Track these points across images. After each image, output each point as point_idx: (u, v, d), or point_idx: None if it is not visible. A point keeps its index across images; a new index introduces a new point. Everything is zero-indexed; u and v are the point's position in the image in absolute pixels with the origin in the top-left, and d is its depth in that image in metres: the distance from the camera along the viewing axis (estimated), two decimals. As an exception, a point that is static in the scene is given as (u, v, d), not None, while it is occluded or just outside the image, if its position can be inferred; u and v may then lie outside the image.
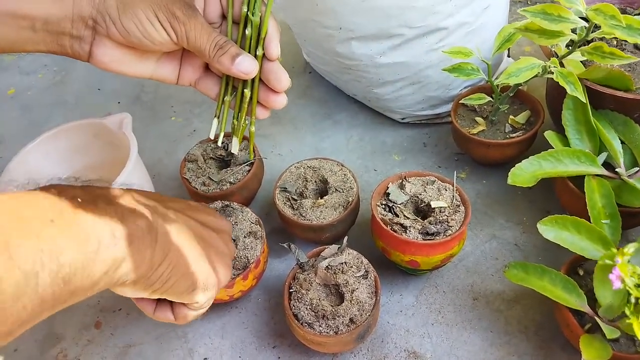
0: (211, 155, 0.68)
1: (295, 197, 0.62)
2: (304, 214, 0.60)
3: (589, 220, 0.52)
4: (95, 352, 0.59)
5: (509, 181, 0.55)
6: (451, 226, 0.54)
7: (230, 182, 0.64)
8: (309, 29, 0.70)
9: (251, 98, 0.46)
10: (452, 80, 0.69)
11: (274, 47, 0.44)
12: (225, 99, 0.47)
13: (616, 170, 0.56)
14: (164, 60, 0.46)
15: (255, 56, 0.45)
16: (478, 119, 0.66)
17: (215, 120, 0.48)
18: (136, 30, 0.41)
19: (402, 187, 0.58)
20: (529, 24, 0.52)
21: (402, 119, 0.77)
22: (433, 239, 0.53)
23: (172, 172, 0.78)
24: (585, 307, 0.47)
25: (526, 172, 0.55)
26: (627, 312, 0.38)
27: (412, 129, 0.78)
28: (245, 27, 0.44)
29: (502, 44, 0.59)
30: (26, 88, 0.99)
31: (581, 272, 0.52)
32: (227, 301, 0.57)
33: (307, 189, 0.63)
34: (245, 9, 0.43)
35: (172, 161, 0.80)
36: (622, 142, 0.57)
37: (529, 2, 0.96)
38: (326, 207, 0.60)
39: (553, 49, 0.57)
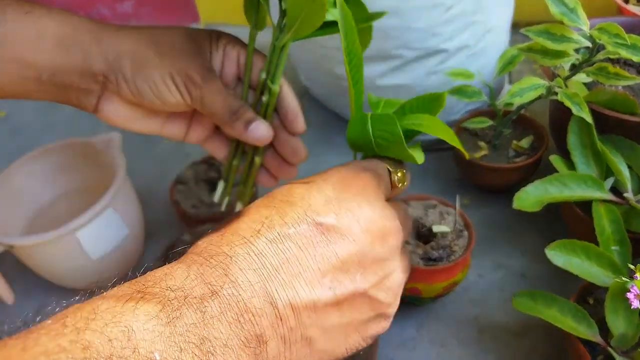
0: (203, 177, 0.66)
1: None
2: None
3: (598, 247, 0.49)
4: None
5: (514, 205, 0.52)
6: (454, 251, 0.51)
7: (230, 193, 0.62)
8: (307, 50, 0.69)
9: (261, 165, 0.43)
10: (454, 105, 0.68)
11: (300, 122, 0.42)
12: (234, 163, 0.45)
13: (624, 195, 0.53)
14: (173, 118, 0.44)
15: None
16: (480, 143, 0.64)
17: (222, 183, 0.46)
18: (149, 92, 0.38)
19: (402, 211, 0.56)
20: (532, 44, 0.51)
21: (402, 144, 0.75)
22: (435, 265, 0.50)
23: (163, 196, 0.76)
24: (597, 338, 0.44)
25: (532, 197, 0.53)
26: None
27: (412, 155, 0.76)
28: (262, 93, 0.42)
29: (504, 66, 0.57)
30: (18, 111, 0.98)
31: (591, 301, 0.49)
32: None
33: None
34: (264, 76, 0.41)
35: (163, 185, 0.78)
36: (629, 167, 0.55)
37: (527, 32, 0.96)
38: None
39: (556, 71, 0.55)
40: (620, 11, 0.77)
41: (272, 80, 0.40)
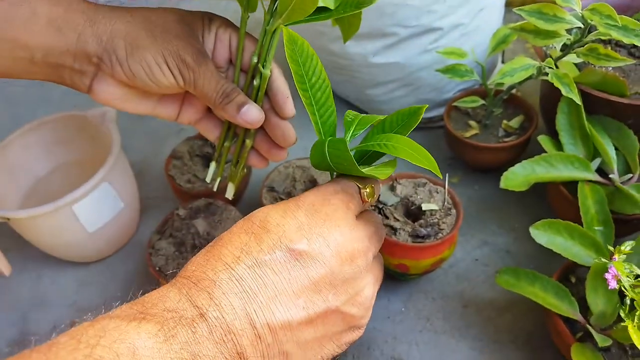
0: (197, 153, 0.67)
1: (283, 197, 0.60)
2: (290, 214, 0.58)
3: (582, 226, 0.50)
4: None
5: (502, 185, 0.54)
6: (442, 229, 0.52)
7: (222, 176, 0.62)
8: (299, 26, 0.69)
9: (252, 147, 0.44)
10: (446, 83, 0.68)
11: (289, 106, 0.42)
12: (225, 144, 0.45)
13: (610, 176, 0.54)
14: (165, 99, 0.44)
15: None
16: (471, 122, 0.65)
17: (213, 164, 0.47)
18: (143, 74, 0.39)
19: (392, 188, 0.57)
20: (524, 24, 0.51)
21: (394, 122, 0.76)
22: (423, 242, 0.51)
23: (158, 170, 0.77)
24: (577, 315, 0.46)
25: (519, 176, 0.54)
26: (622, 314, 0.37)
27: (404, 132, 0.77)
28: (253, 77, 0.42)
29: (497, 45, 0.58)
30: (12, 82, 0.97)
31: (573, 280, 0.51)
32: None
33: (295, 189, 0.61)
34: (255, 60, 0.41)
35: (158, 160, 0.78)
36: (615, 149, 0.56)
37: (524, 10, 0.96)
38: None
39: (547, 51, 0.56)
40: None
41: (263, 65, 0.40)
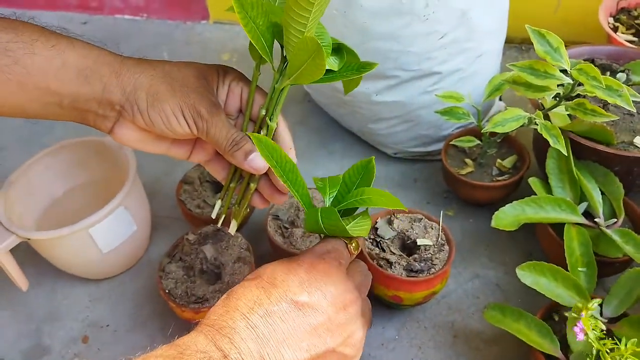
0: (207, 179, 0.71)
1: (287, 226, 0.64)
2: (294, 243, 0.62)
3: (567, 266, 0.54)
4: (81, 366, 0.60)
5: (493, 224, 0.57)
6: (435, 264, 0.56)
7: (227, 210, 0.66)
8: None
9: (255, 190, 0.48)
10: (444, 121, 0.72)
11: (292, 157, 0.46)
12: (231, 185, 0.49)
13: (595, 220, 0.58)
14: (178, 142, 0.48)
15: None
16: (467, 160, 0.68)
17: (219, 202, 0.50)
18: (161, 123, 0.42)
19: (390, 222, 0.60)
20: (516, 77, 0.55)
21: (395, 153, 0.79)
22: (417, 276, 0.55)
23: (169, 191, 0.80)
24: (558, 353, 0.49)
25: (509, 216, 0.58)
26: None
27: (404, 164, 0.81)
28: (260, 127, 0.46)
29: (491, 92, 0.61)
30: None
31: (556, 318, 0.54)
32: (213, 324, 0.59)
33: (298, 218, 0.65)
34: (263, 112, 0.45)
35: (170, 181, 0.82)
36: (602, 193, 0.59)
37: (523, 48, 1.00)
38: (316, 237, 0.61)
39: (540, 100, 0.59)
40: (609, 40, 0.80)
41: (270, 118, 0.44)
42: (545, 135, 0.53)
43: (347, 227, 0.40)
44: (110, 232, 0.62)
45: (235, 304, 0.37)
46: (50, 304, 0.67)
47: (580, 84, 0.54)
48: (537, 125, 0.54)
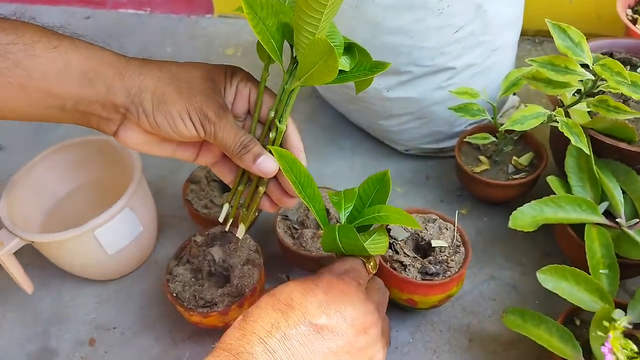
0: (214, 178, 0.69)
1: (296, 227, 0.62)
2: (304, 244, 0.60)
3: (587, 268, 0.52)
4: (88, 370, 0.59)
5: (510, 225, 0.55)
6: (450, 267, 0.54)
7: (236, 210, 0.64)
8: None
9: (264, 193, 0.47)
10: (457, 118, 0.70)
11: (302, 159, 0.45)
12: (239, 188, 0.47)
13: (617, 220, 0.56)
14: (184, 144, 0.47)
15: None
16: (482, 157, 0.66)
17: (227, 206, 0.49)
18: (167, 126, 0.41)
19: (403, 223, 0.58)
20: (536, 72, 0.53)
21: (406, 150, 0.77)
22: (432, 280, 0.53)
23: (175, 190, 0.79)
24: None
25: (527, 217, 0.56)
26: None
27: (416, 161, 0.79)
28: (269, 129, 0.44)
29: (508, 88, 0.59)
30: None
31: (578, 322, 0.52)
32: (221, 327, 0.57)
33: (308, 218, 0.63)
34: (272, 114, 0.44)
35: (176, 180, 0.81)
36: (623, 192, 0.57)
37: (536, 41, 0.97)
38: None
39: (559, 97, 0.57)
40: (628, 32, 0.78)
41: (280, 120, 0.43)
42: (567, 134, 0.51)
43: (365, 246, 0.40)
44: (116, 234, 0.60)
45: (252, 327, 0.35)
46: (56, 306, 0.66)
47: (602, 80, 0.52)
48: (558, 122, 0.52)
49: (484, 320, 0.60)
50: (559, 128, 0.51)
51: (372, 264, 0.43)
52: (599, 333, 0.43)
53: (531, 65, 0.53)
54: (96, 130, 0.44)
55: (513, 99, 0.78)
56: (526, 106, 0.54)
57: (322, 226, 0.43)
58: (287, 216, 0.63)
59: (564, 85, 0.51)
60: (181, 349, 0.60)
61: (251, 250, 0.59)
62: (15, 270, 0.59)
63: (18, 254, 0.58)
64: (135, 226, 0.63)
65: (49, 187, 0.68)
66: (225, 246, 0.59)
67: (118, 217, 0.59)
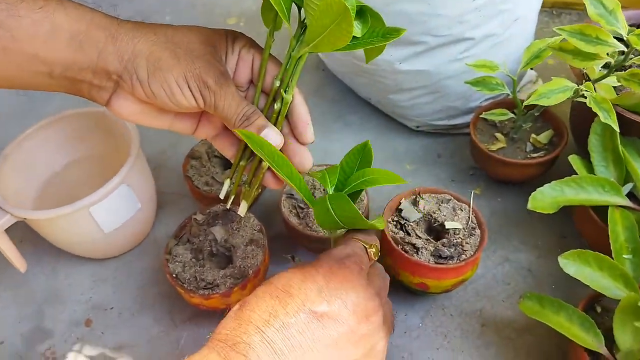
0: (216, 154, 0.66)
1: (302, 206, 0.59)
2: (310, 224, 0.57)
3: (609, 253, 0.49)
4: (84, 351, 0.57)
5: (529, 206, 0.52)
6: (465, 250, 0.51)
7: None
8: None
9: (268, 169, 0.44)
10: (473, 92, 0.66)
11: (309, 133, 0.42)
12: (241, 163, 0.44)
13: (641, 202, 0.53)
14: (182, 115, 0.43)
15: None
16: (498, 135, 0.63)
17: (227, 182, 0.46)
18: (164, 95, 0.38)
19: (415, 203, 0.55)
20: (563, 43, 0.49)
21: (417, 126, 0.74)
22: (446, 263, 0.50)
23: (175, 165, 0.76)
24: (602, 349, 0.45)
25: (547, 198, 0.53)
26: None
27: (427, 137, 0.75)
28: (274, 100, 0.41)
29: (530, 59, 0.55)
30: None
31: (599, 309, 0.50)
32: (223, 309, 0.55)
33: (314, 197, 0.60)
34: (277, 84, 0.40)
35: (176, 154, 0.77)
36: (649, 173, 0.54)
37: (554, 13, 0.92)
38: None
39: (585, 71, 0.53)
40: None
41: (286, 90, 0.40)
42: (595, 109, 0.47)
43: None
44: (113, 211, 0.57)
45: (248, 316, 0.33)
46: (51, 285, 0.64)
47: (636, 52, 0.48)
48: (585, 97, 0.48)
49: (497, 305, 0.57)
50: (587, 103, 0.48)
51: (374, 250, 0.41)
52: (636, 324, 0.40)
53: (556, 36, 0.49)
54: (89, 101, 0.41)
55: (530, 74, 0.74)
56: (552, 79, 0.50)
57: (309, 203, 0.40)
58: (293, 195, 0.60)
59: (593, 57, 0.47)
60: (181, 330, 0.58)
61: (255, 230, 0.56)
62: (7, 248, 0.56)
63: (11, 230, 0.56)
64: (132, 203, 0.60)
65: (42, 161, 0.65)
66: (227, 225, 0.57)
67: (114, 193, 0.56)
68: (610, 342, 0.45)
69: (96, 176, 0.63)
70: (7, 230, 0.55)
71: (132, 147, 0.58)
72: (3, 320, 0.61)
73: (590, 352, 0.46)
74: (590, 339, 0.45)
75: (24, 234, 0.67)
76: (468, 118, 0.70)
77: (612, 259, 0.48)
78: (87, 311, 0.61)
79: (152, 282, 0.63)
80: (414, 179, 0.70)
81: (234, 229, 0.56)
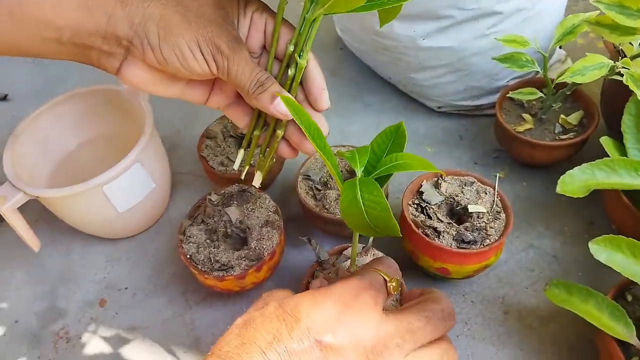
0: (231, 133, 0.64)
1: (319, 187, 0.58)
2: (327, 206, 0.55)
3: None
4: (98, 331, 0.56)
5: (558, 190, 0.50)
6: (489, 235, 0.49)
7: (250, 164, 0.59)
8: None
9: (282, 137, 0.42)
10: (500, 70, 0.63)
11: (324, 99, 0.40)
12: (255, 132, 0.43)
13: (678, 186, 0.50)
14: (194, 83, 0.42)
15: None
16: (525, 115, 0.60)
17: (242, 152, 0.45)
18: (175, 60, 0.36)
19: (437, 186, 0.53)
20: (600, 17, 0.46)
21: (439, 107, 0.71)
22: (469, 248, 0.48)
23: (190, 145, 0.74)
24: (633, 339, 0.43)
25: (577, 181, 0.50)
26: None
27: (449, 119, 0.73)
28: (288, 66, 0.40)
29: (563, 35, 0.52)
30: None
31: (629, 298, 0.47)
32: (237, 292, 0.54)
33: (331, 178, 0.58)
34: (291, 49, 0.39)
35: (190, 134, 0.76)
36: (686, 156, 0.51)
37: (585, -11, 0.88)
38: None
39: (621, 47, 0.50)
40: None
41: (300, 54, 0.38)
42: (633, 87, 0.44)
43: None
44: (126, 190, 0.56)
45: (252, 336, 0.32)
46: (65, 265, 0.63)
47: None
48: (622, 75, 0.45)
49: (520, 292, 0.55)
50: (624, 81, 0.45)
51: (394, 284, 0.38)
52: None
53: (590, 11, 0.46)
54: (101, 72, 0.39)
55: (559, 53, 0.71)
56: (587, 55, 0.47)
57: (338, 182, 0.37)
58: (310, 176, 0.58)
59: (633, 31, 0.44)
60: (195, 312, 0.57)
61: (270, 212, 0.55)
62: (20, 227, 0.55)
63: (25, 210, 0.55)
64: (147, 183, 0.58)
65: (56, 139, 0.64)
66: (242, 206, 0.55)
67: (128, 172, 0.55)
68: (642, 332, 0.43)
69: (110, 156, 0.61)
70: (22, 210, 0.55)
71: (147, 126, 0.57)
72: (17, 299, 0.60)
73: (620, 343, 0.44)
74: (620, 329, 0.43)
75: (39, 214, 0.66)
76: (492, 98, 0.67)
77: (645, 246, 0.46)
78: (101, 291, 0.60)
79: (166, 263, 0.62)
80: (435, 162, 0.68)
81: (249, 209, 0.55)
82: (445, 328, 0.36)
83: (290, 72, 0.39)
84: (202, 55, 0.36)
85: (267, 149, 0.43)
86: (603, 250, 0.45)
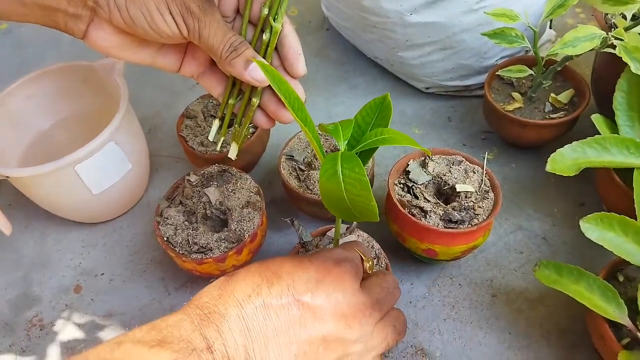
0: (212, 113, 0.62)
1: (303, 168, 0.56)
2: (310, 187, 0.53)
3: (634, 218, 0.45)
4: (72, 318, 0.54)
5: (548, 168, 0.48)
6: (477, 214, 0.47)
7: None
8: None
9: (258, 106, 0.41)
10: (489, 48, 0.62)
11: (301, 64, 0.39)
12: (229, 101, 0.41)
13: (670, 164, 0.49)
14: (166, 49, 0.40)
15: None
16: (515, 94, 0.58)
17: (217, 122, 0.44)
18: (143, 21, 0.35)
19: (424, 165, 0.52)
20: (593, -14, 0.44)
21: (427, 88, 0.69)
22: (456, 228, 0.47)
23: (170, 127, 0.72)
24: (625, 320, 0.41)
25: (568, 159, 0.49)
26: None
27: (437, 100, 0.71)
28: (262, 30, 0.38)
29: (553, 9, 0.51)
30: (22, 24, 0.92)
31: (621, 278, 0.46)
32: (217, 275, 0.52)
33: (316, 159, 0.56)
34: (266, 12, 0.37)
35: (171, 115, 0.74)
36: (679, 134, 0.50)
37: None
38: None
39: (613, 20, 0.49)
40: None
41: (275, 18, 0.37)
42: (626, 59, 0.43)
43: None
44: (100, 170, 0.54)
45: (232, 289, 0.33)
46: (40, 250, 0.61)
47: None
48: (614, 47, 0.44)
49: (509, 275, 0.54)
50: (617, 53, 0.43)
51: (369, 264, 0.39)
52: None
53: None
54: (65, 33, 0.37)
55: (549, 33, 0.69)
56: (577, 26, 0.45)
57: (319, 155, 0.36)
58: (293, 156, 0.56)
59: (626, 1, 0.43)
60: (174, 298, 0.55)
61: (252, 192, 0.53)
62: (-11, 208, 0.53)
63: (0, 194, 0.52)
64: (122, 163, 0.56)
65: (27, 118, 0.61)
66: (222, 187, 0.53)
67: (101, 151, 0.52)
68: (634, 312, 0.42)
69: (86, 136, 0.59)
70: (-9, 192, 0.52)
71: (121, 102, 0.54)
72: (-12, 285, 0.58)
73: (612, 323, 0.42)
74: (612, 309, 0.42)
75: (13, 198, 0.63)
76: (481, 78, 0.65)
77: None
78: (77, 277, 0.58)
79: (144, 248, 0.60)
80: (423, 144, 0.66)
81: (230, 190, 0.53)
82: (397, 297, 0.40)
83: (265, 36, 0.37)
84: (171, 15, 0.35)
85: (243, 118, 0.41)
86: (594, 229, 0.43)
